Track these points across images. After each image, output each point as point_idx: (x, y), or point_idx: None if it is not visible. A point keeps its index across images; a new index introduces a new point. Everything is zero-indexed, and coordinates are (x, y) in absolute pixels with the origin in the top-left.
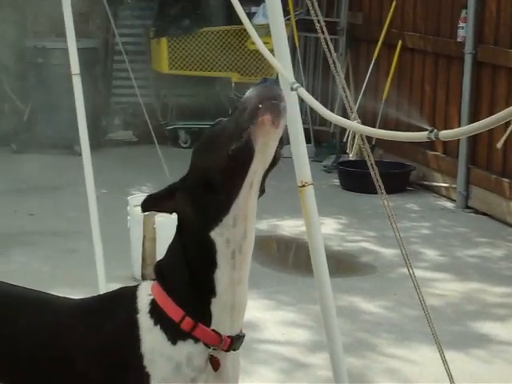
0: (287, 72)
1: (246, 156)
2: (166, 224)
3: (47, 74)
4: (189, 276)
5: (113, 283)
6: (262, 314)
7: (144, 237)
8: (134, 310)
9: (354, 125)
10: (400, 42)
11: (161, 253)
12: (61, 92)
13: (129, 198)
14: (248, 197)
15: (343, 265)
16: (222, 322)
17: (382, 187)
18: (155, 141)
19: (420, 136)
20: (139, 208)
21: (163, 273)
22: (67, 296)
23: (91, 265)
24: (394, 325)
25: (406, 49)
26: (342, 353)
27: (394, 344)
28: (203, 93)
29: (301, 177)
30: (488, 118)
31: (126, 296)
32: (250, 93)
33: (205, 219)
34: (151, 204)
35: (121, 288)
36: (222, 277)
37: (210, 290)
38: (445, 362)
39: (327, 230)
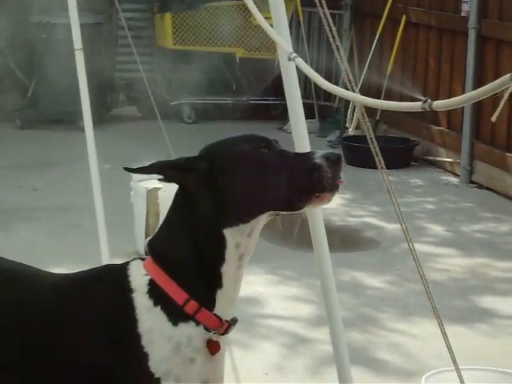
0: (285, 43)
1: (294, 208)
2: (170, 199)
3: (51, 50)
4: (195, 263)
5: (116, 258)
6: (265, 289)
7: (147, 212)
8: (128, 290)
9: (348, 93)
10: (404, 17)
11: None
12: (65, 67)
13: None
14: (268, 217)
15: (347, 240)
16: (223, 310)
17: (382, 162)
18: (158, 116)
19: (414, 106)
20: (143, 183)
21: (163, 254)
22: (70, 272)
23: (95, 240)
24: (396, 299)
25: (410, 24)
26: (341, 327)
27: (397, 318)
28: (207, 68)
29: (300, 150)
30: (481, 88)
31: (115, 274)
32: (323, 162)
33: (221, 216)
34: (164, 169)
35: (106, 265)
36: (228, 272)
37: (217, 281)
38: (445, 335)
39: (331, 205)
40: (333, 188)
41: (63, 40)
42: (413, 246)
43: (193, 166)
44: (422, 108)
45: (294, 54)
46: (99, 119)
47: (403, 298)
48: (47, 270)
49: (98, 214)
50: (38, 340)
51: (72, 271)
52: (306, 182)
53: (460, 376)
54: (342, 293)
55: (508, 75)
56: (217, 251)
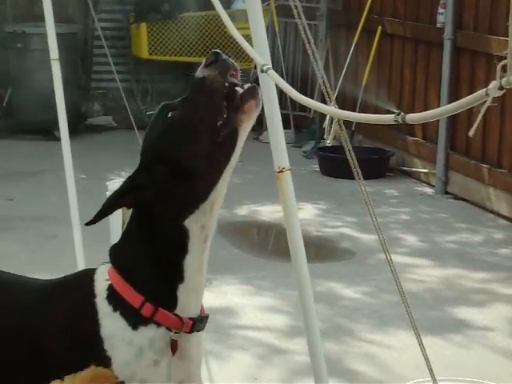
0: (259, 55)
1: (233, 141)
2: None
3: (27, 59)
4: (151, 263)
5: None
6: (241, 300)
7: (123, 222)
8: (92, 295)
9: (322, 106)
10: (380, 28)
11: None
12: (41, 77)
13: (108, 183)
14: (225, 181)
15: (322, 250)
16: (187, 306)
17: (360, 173)
18: (134, 126)
19: (387, 119)
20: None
21: (119, 259)
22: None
23: (70, 250)
24: (372, 310)
25: (385, 34)
26: (319, 338)
27: (372, 329)
28: (183, 78)
29: (278, 162)
30: (456, 102)
31: (85, 279)
32: (209, 71)
33: (179, 209)
34: (116, 202)
35: (84, 270)
36: (192, 262)
37: (177, 277)
38: (422, 346)
39: (307, 215)
40: (249, 93)
41: (39, 50)
42: (390, 256)
43: (136, 183)
44: (395, 121)
45: (267, 66)
46: (75, 129)
47: (379, 308)
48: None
49: (73, 224)
50: (15, 338)
51: None
52: (213, 103)
53: None
54: (317, 303)
55: (483, 90)
56: (180, 246)
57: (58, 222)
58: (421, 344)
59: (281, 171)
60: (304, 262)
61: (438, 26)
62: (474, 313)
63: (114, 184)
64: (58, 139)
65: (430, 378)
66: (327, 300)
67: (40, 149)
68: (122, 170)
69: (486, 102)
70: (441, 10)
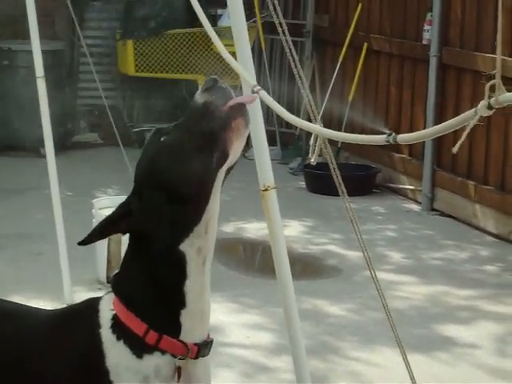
0: (249, 75)
1: (221, 162)
2: None
3: (13, 76)
4: (152, 291)
5: (78, 286)
6: (227, 318)
7: (109, 239)
8: (97, 325)
9: (312, 126)
10: (366, 45)
11: None
12: (26, 94)
13: (94, 200)
14: (216, 200)
15: (308, 267)
16: (192, 331)
17: (344, 190)
18: (120, 143)
19: (379, 139)
20: (104, 211)
21: (121, 288)
22: (32, 300)
23: (56, 268)
24: (358, 328)
25: (371, 51)
26: (304, 355)
27: (358, 347)
28: (170, 95)
29: (263, 180)
30: (446, 123)
31: (90, 309)
32: (207, 97)
33: (173, 233)
34: (108, 227)
35: (89, 299)
36: (192, 286)
37: (179, 302)
38: (407, 364)
39: (293, 232)
40: (237, 111)
41: (25, 67)
42: (375, 274)
43: (127, 209)
44: (387, 141)
45: (258, 87)
46: (61, 146)
47: (364, 326)
48: (34, 306)
49: (59, 241)
50: (25, 367)
51: (32, 299)
52: (206, 129)
53: None
54: (303, 321)
55: (473, 110)
56: (178, 270)
57: (44, 240)
58: (406, 361)
59: (266, 189)
60: (289, 279)
61: (424, 42)
62: (460, 330)
63: (100, 202)
64: (44, 156)
65: None
66: (313, 317)
67: (26, 166)
68: (108, 188)
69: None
70: (427, 27)
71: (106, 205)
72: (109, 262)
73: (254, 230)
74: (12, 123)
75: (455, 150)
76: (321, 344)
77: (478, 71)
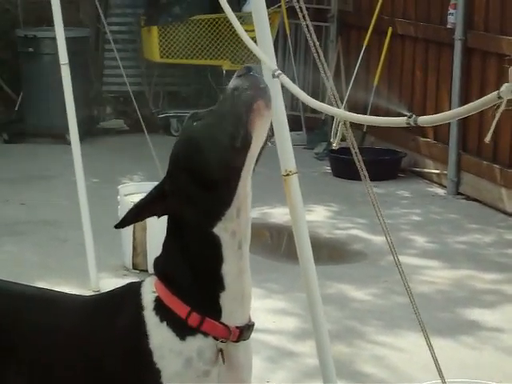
0: (269, 59)
1: (246, 146)
2: None
3: (38, 64)
4: (192, 274)
5: (104, 272)
6: (252, 303)
7: (134, 226)
8: (140, 307)
9: (331, 109)
10: (390, 29)
11: (151, 242)
12: (52, 81)
13: (119, 187)
14: (246, 184)
15: (333, 252)
16: (233, 314)
17: (366, 174)
18: (144, 129)
19: (399, 121)
20: (130, 197)
21: (164, 271)
22: (57, 286)
23: (82, 254)
24: (383, 312)
25: (396, 35)
26: (327, 340)
27: (383, 331)
28: (195, 81)
29: (285, 166)
30: (468, 105)
31: (132, 293)
32: (237, 82)
33: (206, 217)
34: (143, 209)
35: (129, 283)
36: (229, 269)
37: (218, 285)
38: (431, 348)
39: (318, 217)
40: (257, 94)
41: (50, 54)
42: (398, 258)
43: (161, 191)
44: (407, 123)
45: (278, 71)
46: (86, 133)
47: (389, 310)
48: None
49: (85, 228)
50: (68, 353)
51: (58, 286)
52: (236, 112)
53: None
54: (328, 305)
55: (495, 92)
56: (214, 254)
57: (69, 226)
58: (430, 345)
59: (287, 174)
60: (311, 264)
61: (449, 26)
62: (486, 314)
63: (125, 188)
64: (70, 143)
65: (440, 380)
66: (338, 302)
67: (52, 153)
68: (133, 174)
69: (500, 106)
70: (451, 11)
71: (131, 191)
72: (134, 248)
73: (279, 214)
74: (39, 110)
75: (487, 139)
76: (345, 328)
77: (503, 54)
